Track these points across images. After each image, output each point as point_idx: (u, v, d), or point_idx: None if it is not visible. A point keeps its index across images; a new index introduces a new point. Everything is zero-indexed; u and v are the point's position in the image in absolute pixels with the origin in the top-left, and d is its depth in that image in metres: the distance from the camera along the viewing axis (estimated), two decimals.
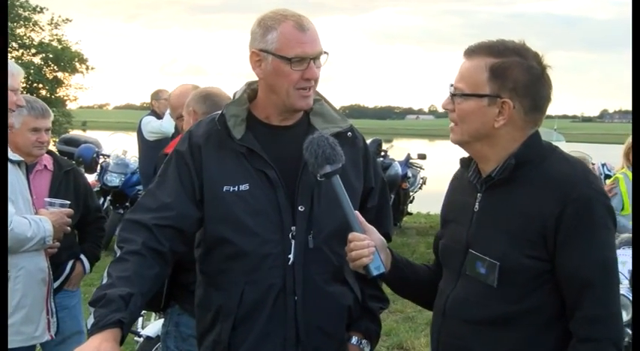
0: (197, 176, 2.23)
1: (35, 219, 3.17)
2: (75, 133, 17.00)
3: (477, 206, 2.07)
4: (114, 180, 9.12)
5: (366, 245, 2.09)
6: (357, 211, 2.16)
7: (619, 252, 4.42)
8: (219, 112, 2.30)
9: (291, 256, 2.21)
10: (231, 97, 2.41)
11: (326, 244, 2.26)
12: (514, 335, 1.98)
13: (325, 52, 2.24)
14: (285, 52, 2.17)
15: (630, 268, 4.24)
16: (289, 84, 2.20)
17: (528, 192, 1.97)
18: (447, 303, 2.11)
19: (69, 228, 3.50)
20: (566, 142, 14.19)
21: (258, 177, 2.22)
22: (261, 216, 2.21)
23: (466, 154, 2.16)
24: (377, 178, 2.46)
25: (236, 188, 2.21)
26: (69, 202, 3.53)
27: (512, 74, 1.96)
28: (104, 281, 2.08)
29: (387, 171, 10.48)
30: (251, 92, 2.33)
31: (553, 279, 1.95)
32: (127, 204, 9.12)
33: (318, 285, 2.25)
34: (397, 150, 12.09)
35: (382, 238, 2.21)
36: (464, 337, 2.06)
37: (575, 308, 1.93)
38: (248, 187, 2.22)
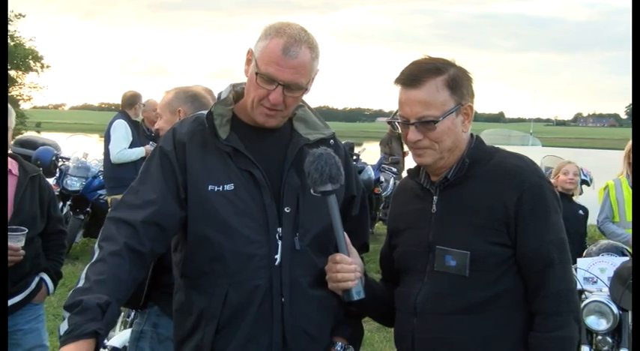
0: (181, 174, 2.19)
1: None
2: (30, 134, 16.42)
3: (434, 208, 2.21)
4: (74, 184, 8.73)
5: (353, 270, 2.18)
6: (345, 233, 2.19)
7: (598, 258, 4.44)
8: (204, 111, 2.29)
9: (277, 256, 2.17)
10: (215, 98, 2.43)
11: (311, 246, 2.23)
12: (488, 320, 2.12)
13: (304, 88, 2.20)
14: (259, 64, 2.16)
15: (610, 274, 4.17)
16: (254, 95, 2.19)
17: (485, 186, 2.15)
18: (417, 302, 2.19)
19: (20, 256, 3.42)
20: (542, 146, 14.14)
21: (243, 177, 2.20)
22: (245, 216, 2.17)
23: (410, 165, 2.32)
24: (358, 187, 2.45)
25: (221, 188, 2.18)
26: (26, 231, 3.44)
27: (461, 81, 2.17)
28: (81, 283, 2.00)
29: (360, 175, 10.23)
30: (235, 94, 2.31)
31: (517, 264, 2.14)
32: (88, 209, 8.76)
33: (303, 287, 2.22)
34: (369, 153, 11.84)
35: (361, 262, 2.30)
36: (441, 329, 2.15)
37: (538, 287, 2.12)
38: (233, 187, 2.18)
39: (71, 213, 8.76)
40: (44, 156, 9.03)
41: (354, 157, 11.01)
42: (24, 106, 36.38)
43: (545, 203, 2.14)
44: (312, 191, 2.15)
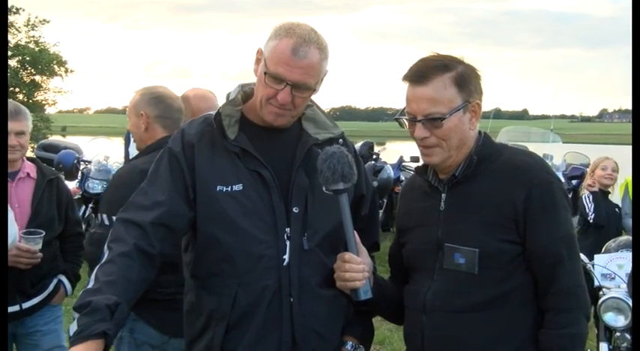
0: (190, 175, 2.19)
1: None
2: (54, 138, 16.67)
3: (442, 206, 2.21)
4: (96, 187, 8.80)
5: (361, 270, 2.18)
6: (355, 232, 2.20)
7: (617, 255, 4.40)
8: (212, 112, 2.28)
9: (286, 257, 2.18)
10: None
11: (319, 246, 2.23)
12: (497, 317, 2.12)
13: (313, 87, 2.20)
14: (269, 64, 2.16)
15: (628, 271, 4.14)
16: (263, 95, 2.20)
17: (493, 183, 2.14)
18: (426, 299, 2.19)
19: (37, 258, 3.47)
20: (564, 143, 13.94)
21: (252, 177, 2.20)
22: (254, 216, 2.18)
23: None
24: (368, 186, 2.44)
25: (229, 188, 2.18)
26: (43, 234, 3.48)
27: (469, 78, 2.15)
28: (90, 284, 2.02)
29: (379, 174, 10.22)
30: (244, 94, 2.32)
31: (526, 261, 2.13)
32: None
33: (312, 287, 2.22)
34: (390, 153, 11.79)
35: (370, 261, 2.31)
36: (450, 327, 2.15)
37: (548, 284, 2.11)
38: (241, 188, 2.19)
39: (93, 215, 8.83)
40: (66, 159, 9.14)
41: (374, 157, 10.98)
42: (49, 110, 36.77)
43: (554, 200, 2.12)
44: (323, 189, 2.15)
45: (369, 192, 2.45)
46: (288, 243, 2.18)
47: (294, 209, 2.20)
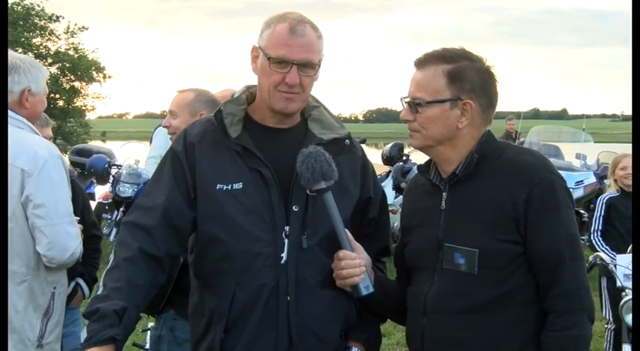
0: (190, 174, 2.21)
1: None
2: (89, 144, 17.02)
3: (443, 205, 2.19)
4: (126, 190, 8.91)
5: (358, 264, 2.16)
6: (346, 229, 2.19)
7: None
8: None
9: (284, 255, 2.17)
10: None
11: (319, 245, 2.22)
12: (498, 319, 2.09)
13: (316, 65, 2.21)
14: (269, 50, 2.18)
15: None
16: (270, 83, 2.20)
17: (494, 182, 2.11)
18: (426, 300, 2.17)
19: None
20: (595, 142, 13.62)
21: (252, 176, 2.20)
22: (253, 215, 2.18)
23: (423, 161, 2.34)
24: (376, 189, 2.43)
25: (229, 187, 2.18)
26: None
27: (468, 76, 2.12)
28: (99, 291, 2.06)
29: (408, 175, 10.11)
30: (249, 95, 2.33)
31: (527, 261, 2.09)
32: None
33: (311, 287, 2.21)
34: (422, 154, 11.65)
35: (368, 256, 2.27)
36: (450, 329, 2.12)
37: (550, 285, 2.08)
38: (241, 186, 2.19)
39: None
40: (97, 163, 9.30)
41: (403, 158, 10.88)
42: (89, 116, 37.38)
43: (556, 199, 2.09)
44: (307, 192, 2.15)
45: (378, 194, 2.42)
46: (286, 241, 2.17)
47: (294, 208, 2.20)
